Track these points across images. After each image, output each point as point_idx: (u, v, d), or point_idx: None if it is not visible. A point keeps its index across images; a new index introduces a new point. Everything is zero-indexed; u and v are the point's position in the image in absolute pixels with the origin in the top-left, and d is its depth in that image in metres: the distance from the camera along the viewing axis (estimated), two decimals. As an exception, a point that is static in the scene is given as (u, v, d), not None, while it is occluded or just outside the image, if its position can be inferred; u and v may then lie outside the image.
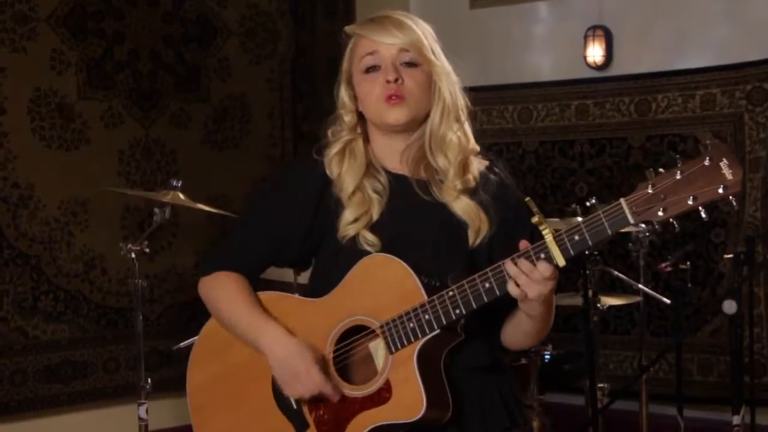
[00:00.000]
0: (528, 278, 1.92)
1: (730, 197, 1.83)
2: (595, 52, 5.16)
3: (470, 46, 5.65)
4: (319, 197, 2.14)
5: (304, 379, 2.06)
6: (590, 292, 3.83)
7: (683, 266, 3.96)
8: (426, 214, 2.11)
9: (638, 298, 4.23)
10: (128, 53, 4.77)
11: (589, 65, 5.20)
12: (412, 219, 2.11)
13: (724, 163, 1.82)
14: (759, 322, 4.59)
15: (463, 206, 2.10)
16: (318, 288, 2.14)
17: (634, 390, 4.22)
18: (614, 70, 5.17)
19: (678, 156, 1.86)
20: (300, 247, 2.17)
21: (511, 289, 1.94)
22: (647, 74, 5.06)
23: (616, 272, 4.16)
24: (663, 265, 3.93)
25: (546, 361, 4.11)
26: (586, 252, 3.57)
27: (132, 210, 4.72)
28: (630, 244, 4.18)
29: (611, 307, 4.20)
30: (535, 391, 4.06)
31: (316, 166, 2.16)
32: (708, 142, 1.84)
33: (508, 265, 1.94)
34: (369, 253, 2.07)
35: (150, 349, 4.31)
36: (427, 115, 2.14)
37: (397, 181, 2.13)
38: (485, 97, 5.51)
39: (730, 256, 3.58)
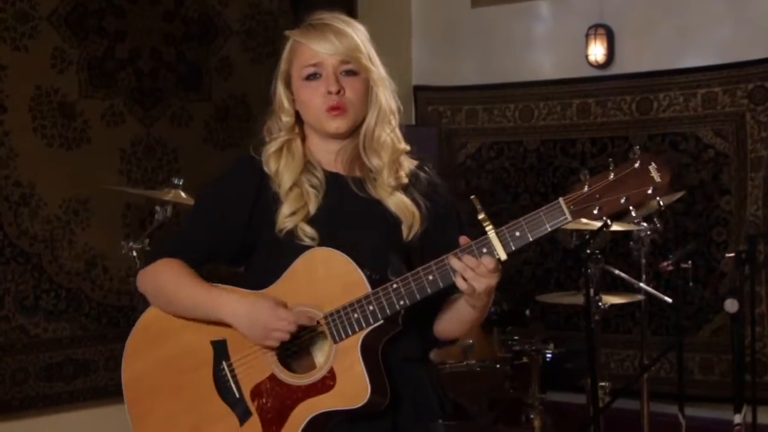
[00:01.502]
0: (474, 272, 2.01)
1: (658, 198, 1.96)
2: (597, 51, 5.16)
3: (472, 45, 5.65)
4: (256, 192, 2.21)
5: (276, 324, 2.10)
6: (592, 291, 3.83)
7: (685, 265, 3.96)
8: (362, 210, 2.19)
9: (640, 297, 4.23)
10: (129, 52, 4.76)
11: (590, 64, 5.20)
12: (348, 214, 2.19)
13: (653, 167, 1.95)
14: (760, 321, 4.59)
15: (396, 202, 2.19)
16: (257, 281, 2.18)
17: (635, 389, 4.21)
18: (616, 69, 5.17)
19: (611, 159, 1.99)
20: (239, 242, 2.22)
21: (459, 283, 2.03)
22: (649, 73, 5.06)
23: (617, 271, 4.16)
24: (664, 263, 3.93)
25: (547, 359, 4.12)
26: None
27: (133, 208, 4.72)
28: (632, 243, 4.18)
29: (613, 305, 4.20)
30: (537, 390, 4.06)
31: (254, 163, 2.24)
32: (636, 148, 1.99)
33: (453, 261, 2.03)
34: (308, 246, 2.13)
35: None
36: (363, 119, 2.22)
37: (333, 178, 2.22)
38: (487, 96, 5.52)
39: (732, 255, 3.57)
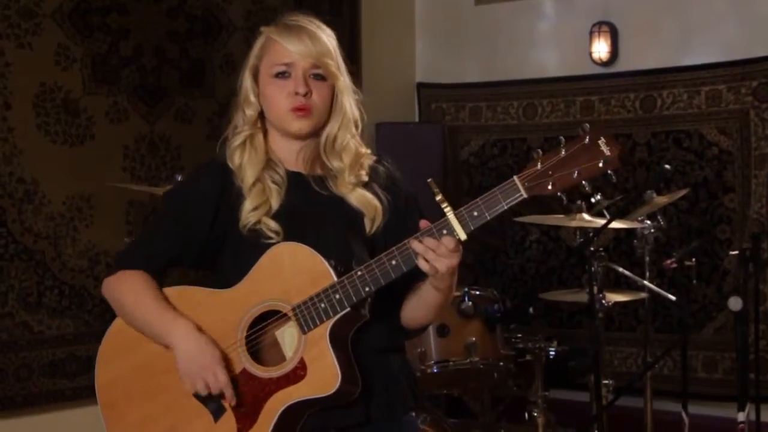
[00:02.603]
0: (435, 253, 2.06)
1: (609, 171, 2.02)
2: (601, 48, 5.16)
3: (475, 42, 5.65)
4: (220, 192, 2.24)
5: (209, 376, 2.14)
6: (595, 289, 3.83)
7: (688, 263, 3.95)
8: (324, 207, 2.24)
9: (643, 295, 4.22)
10: (133, 49, 4.77)
11: (594, 61, 5.19)
12: (311, 211, 2.23)
13: (602, 141, 2.01)
14: (765, 319, 4.59)
15: (358, 197, 2.24)
16: (224, 280, 2.21)
17: (638, 386, 4.21)
18: (620, 66, 5.17)
19: (561, 137, 2.05)
20: (203, 242, 2.24)
21: (422, 265, 2.07)
22: (653, 70, 5.06)
23: (621, 269, 4.16)
24: (668, 261, 3.92)
25: (551, 357, 4.11)
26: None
27: (137, 205, 4.72)
28: (635, 241, 4.18)
29: (616, 303, 4.19)
30: (540, 388, 4.06)
31: (215, 165, 2.27)
32: (585, 125, 2.05)
33: (414, 244, 2.07)
34: (273, 242, 2.17)
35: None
36: (325, 123, 2.26)
37: (294, 177, 2.26)
38: (490, 93, 5.51)
39: (736, 252, 3.57)
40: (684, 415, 3.97)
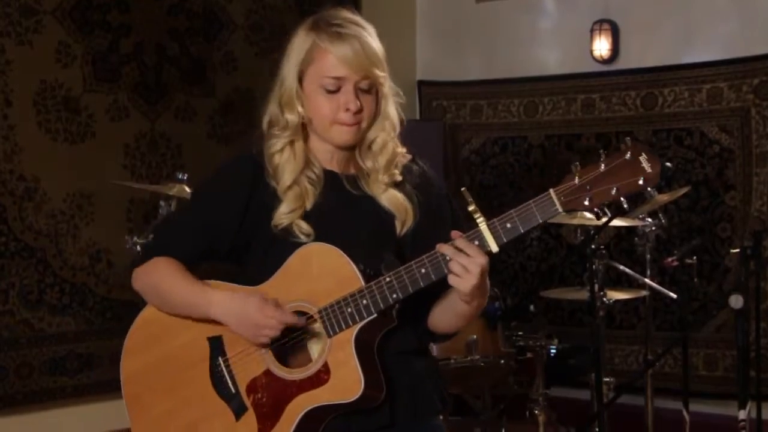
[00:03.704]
0: (469, 257, 2.01)
1: (649, 188, 1.96)
2: (602, 46, 5.15)
3: (476, 40, 5.64)
4: (251, 190, 2.20)
5: (265, 321, 2.10)
6: (596, 287, 3.83)
7: (689, 261, 3.96)
8: (356, 207, 2.20)
9: (644, 293, 4.22)
10: (134, 46, 4.76)
11: (595, 59, 5.19)
12: (343, 211, 2.20)
13: (643, 157, 1.95)
14: (765, 316, 4.59)
15: (390, 198, 2.20)
16: (253, 277, 2.19)
17: (639, 384, 4.21)
18: (621, 64, 5.16)
19: (602, 151, 1.98)
20: (233, 238, 2.21)
21: (451, 279, 2.03)
22: (654, 68, 5.05)
23: (622, 267, 4.16)
24: (669, 259, 3.92)
25: (552, 355, 4.11)
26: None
27: (137, 203, 4.72)
28: (636, 239, 4.18)
29: (617, 301, 4.20)
30: (541, 386, 4.05)
31: (250, 158, 2.24)
32: (627, 139, 1.98)
33: (445, 248, 2.03)
34: (303, 242, 2.14)
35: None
36: (367, 127, 2.21)
37: (329, 176, 2.22)
38: (491, 91, 5.51)
39: (737, 250, 3.56)
40: (685, 413, 3.97)
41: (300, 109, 2.19)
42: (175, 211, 2.21)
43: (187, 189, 3.77)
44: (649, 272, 4.18)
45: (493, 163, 5.50)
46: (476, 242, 2.02)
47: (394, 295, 2.07)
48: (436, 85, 5.72)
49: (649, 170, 1.94)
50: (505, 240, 2.01)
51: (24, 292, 4.42)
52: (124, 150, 4.74)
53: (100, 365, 4.64)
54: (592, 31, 5.16)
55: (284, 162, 2.19)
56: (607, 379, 4.05)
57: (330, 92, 2.15)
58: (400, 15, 5.79)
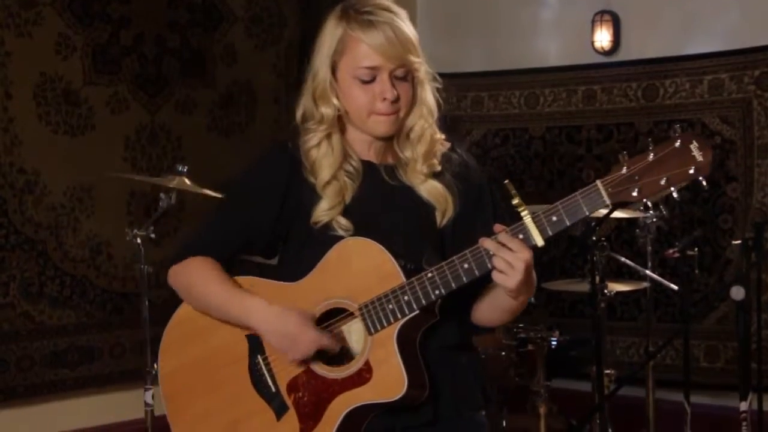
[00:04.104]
0: (513, 253, 1.95)
1: (700, 178, 1.89)
2: (603, 37, 5.14)
3: (477, 31, 5.63)
4: (288, 183, 2.16)
5: (303, 339, 2.07)
6: (597, 278, 3.82)
7: (691, 252, 3.95)
8: (395, 199, 2.15)
9: (645, 285, 4.22)
10: (134, 38, 4.75)
11: (596, 50, 5.18)
12: (382, 204, 2.15)
13: (694, 146, 1.88)
14: (766, 308, 4.58)
15: (429, 189, 2.14)
16: (289, 272, 2.15)
17: (640, 376, 4.21)
18: (622, 56, 5.15)
19: (650, 140, 1.91)
20: (270, 234, 2.18)
21: (495, 276, 1.98)
22: (655, 59, 5.04)
23: (623, 258, 4.16)
24: (670, 251, 3.92)
25: (553, 347, 4.11)
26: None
27: (138, 196, 4.72)
28: (637, 231, 4.17)
29: (618, 293, 4.19)
30: (542, 377, 4.05)
31: (286, 152, 2.18)
32: (677, 126, 1.92)
33: (488, 243, 1.97)
34: (341, 237, 2.09)
35: (156, 335, 4.23)
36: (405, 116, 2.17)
37: (366, 167, 2.17)
38: (492, 83, 5.50)
39: (738, 242, 3.56)
40: (686, 404, 3.96)
41: (335, 101, 2.13)
42: (212, 210, 2.17)
43: (187, 181, 3.76)
44: (650, 264, 4.18)
45: (494, 155, 5.49)
46: (520, 236, 1.96)
47: (437, 291, 2.01)
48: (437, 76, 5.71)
49: (700, 159, 1.87)
50: (550, 233, 1.95)
51: (24, 285, 4.42)
52: (125, 142, 4.73)
53: (101, 358, 4.64)
54: (593, 22, 5.15)
55: (321, 157, 2.13)
56: (608, 371, 4.05)
57: (365, 83, 2.10)
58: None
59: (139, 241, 3.68)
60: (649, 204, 4.05)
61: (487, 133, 5.53)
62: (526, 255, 1.95)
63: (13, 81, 4.39)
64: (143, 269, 3.70)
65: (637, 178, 1.89)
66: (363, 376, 2.06)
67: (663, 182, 1.88)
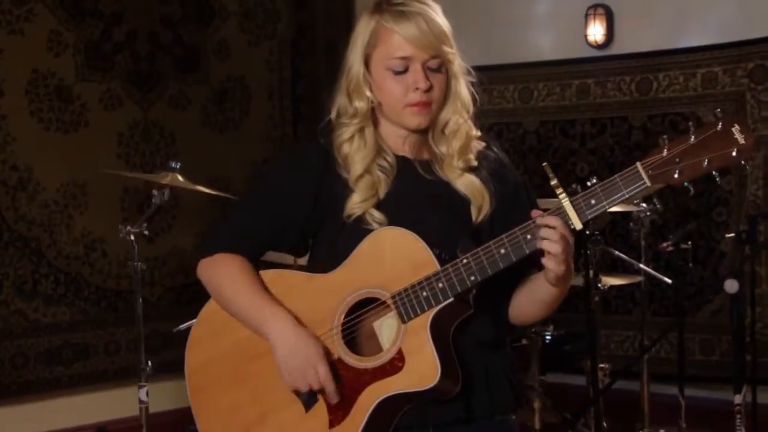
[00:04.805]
0: (556, 232, 1.92)
1: (743, 161, 1.89)
2: (596, 31, 5.13)
3: (471, 25, 5.62)
4: (320, 178, 2.13)
5: (310, 373, 2.05)
6: (591, 272, 3.82)
7: (685, 245, 3.95)
8: (430, 193, 2.12)
9: (639, 278, 4.22)
10: (126, 34, 4.74)
11: (590, 44, 5.17)
12: (416, 198, 2.12)
13: (736, 128, 1.88)
14: (761, 301, 4.58)
15: (465, 183, 2.12)
16: (322, 265, 2.13)
17: (635, 370, 4.22)
18: (615, 49, 5.15)
19: (691, 124, 1.91)
20: (301, 228, 2.17)
21: (545, 261, 1.94)
22: (648, 53, 5.04)
23: (617, 252, 4.16)
24: (664, 244, 3.92)
25: (547, 341, 4.11)
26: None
27: (131, 192, 4.71)
28: (631, 224, 4.17)
29: (612, 286, 4.20)
30: (536, 372, 4.06)
31: (319, 147, 2.15)
32: (718, 110, 1.90)
33: (540, 219, 1.95)
34: (374, 228, 2.07)
35: (150, 332, 4.30)
36: (439, 109, 2.15)
37: (401, 162, 2.14)
38: (485, 77, 5.49)
39: (732, 235, 3.56)
40: (681, 397, 3.97)
41: (369, 93, 2.12)
42: (243, 196, 2.14)
43: (181, 178, 3.76)
44: (644, 257, 4.18)
45: (488, 150, 5.49)
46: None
47: (472, 278, 1.97)
48: (431, 71, 5.70)
49: (742, 141, 1.88)
50: (589, 216, 1.93)
51: (18, 283, 4.41)
52: (118, 139, 4.73)
53: (95, 355, 4.64)
54: (586, 16, 5.14)
55: (354, 151, 2.12)
56: (603, 365, 4.06)
57: (398, 73, 2.08)
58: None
59: (132, 237, 3.67)
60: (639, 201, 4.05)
61: (481, 128, 5.51)
62: (566, 231, 1.93)
63: (5, 78, 4.38)
64: (137, 266, 3.69)
65: (678, 160, 1.89)
66: (395, 365, 2.01)
67: (705, 164, 1.89)
